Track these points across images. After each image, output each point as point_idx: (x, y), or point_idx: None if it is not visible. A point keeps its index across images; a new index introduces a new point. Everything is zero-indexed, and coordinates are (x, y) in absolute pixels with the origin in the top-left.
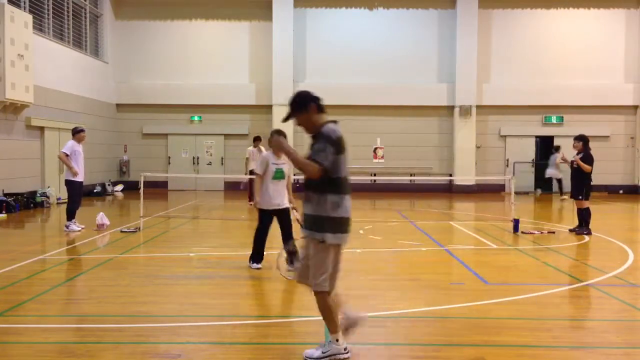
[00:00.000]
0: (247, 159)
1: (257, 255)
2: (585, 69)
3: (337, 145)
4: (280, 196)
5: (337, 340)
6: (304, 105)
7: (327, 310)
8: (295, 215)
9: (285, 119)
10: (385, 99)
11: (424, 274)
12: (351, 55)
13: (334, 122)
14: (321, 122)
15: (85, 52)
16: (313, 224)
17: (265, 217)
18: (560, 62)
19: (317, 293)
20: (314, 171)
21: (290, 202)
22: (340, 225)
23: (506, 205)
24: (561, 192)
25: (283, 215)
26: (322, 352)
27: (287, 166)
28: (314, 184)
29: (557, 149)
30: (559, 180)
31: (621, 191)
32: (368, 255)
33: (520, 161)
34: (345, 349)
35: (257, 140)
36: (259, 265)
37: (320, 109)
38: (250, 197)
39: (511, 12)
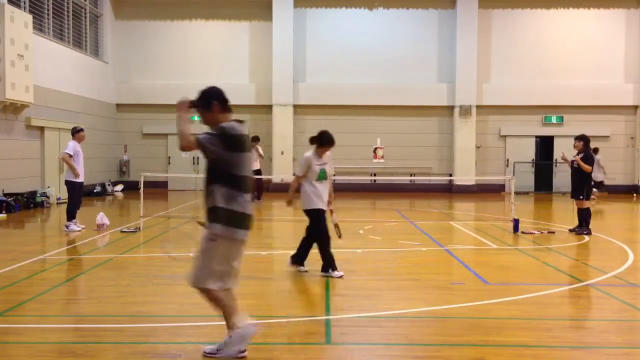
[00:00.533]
0: None
1: (333, 262)
2: (585, 69)
3: (231, 141)
4: (325, 197)
5: (230, 337)
6: (208, 103)
7: (218, 304)
8: (334, 219)
9: (191, 106)
10: (385, 99)
11: (424, 274)
12: (351, 55)
13: (240, 121)
14: (224, 120)
15: (85, 52)
16: (207, 216)
17: (321, 216)
18: (560, 62)
19: (201, 290)
20: (188, 142)
21: (329, 203)
22: (235, 219)
23: (506, 205)
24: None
25: None
26: (217, 349)
27: (328, 166)
28: (211, 178)
29: (596, 151)
30: (600, 182)
31: (635, 193)
32: (368, 255)
33: (520, 161)
34: (240, 349)
35: (254, 140)
36: (341, 273)
37: (225, 108)
38: (251, 198)
39: (511, 12)
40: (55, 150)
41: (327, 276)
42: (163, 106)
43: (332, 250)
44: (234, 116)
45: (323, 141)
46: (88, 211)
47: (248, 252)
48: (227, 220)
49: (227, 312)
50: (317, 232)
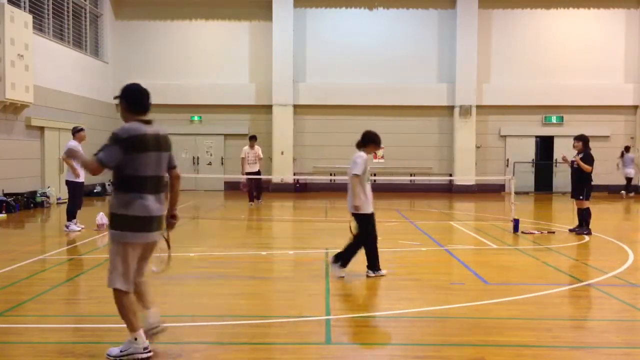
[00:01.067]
0: (243, 158)
1: (378, 261)
2: (585, 69)
3: (125, 143)
4: (371, 199)
5: (135, 339)
6: (121, 99)
7: (121, 308)
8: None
9: (116, 97)
10: (385, 99)
11: (424, 274)
12: (351, 55)
13: (146, 122)
14: (128, 119)
15: (85, 52)
16: (109, 221)
17: (371, 221)
18: (560, 62)
19: (113, 290)
20: (93, 167)
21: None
22: (130, 224)
23: (506, 205)
24: (628, 190)
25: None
26: (121, 351)
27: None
28: (113, 182)
29: (628, 149)
30: (630, 180)
31: None
32: None
33: (520, 161)
34: (145, 348)
35: (252, 139)
36: (343, 274)
37: (132, 109)
38: (251, 198)
39: (511, 12)
40: (55, 150)
41: (338, 268)
42: (163, 106)
43: (332, 251)
44: (239, 117)
45: (378, 140)
46: (88, 211)
47: (248, 252)
48: (122, 225)
49: (127, 320)
50: (364, 235)
